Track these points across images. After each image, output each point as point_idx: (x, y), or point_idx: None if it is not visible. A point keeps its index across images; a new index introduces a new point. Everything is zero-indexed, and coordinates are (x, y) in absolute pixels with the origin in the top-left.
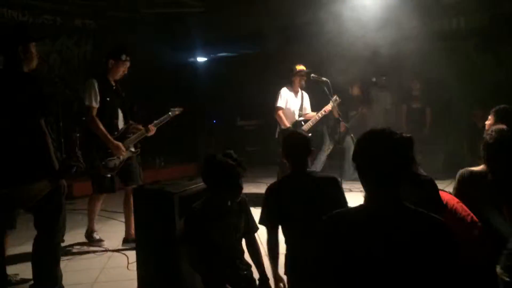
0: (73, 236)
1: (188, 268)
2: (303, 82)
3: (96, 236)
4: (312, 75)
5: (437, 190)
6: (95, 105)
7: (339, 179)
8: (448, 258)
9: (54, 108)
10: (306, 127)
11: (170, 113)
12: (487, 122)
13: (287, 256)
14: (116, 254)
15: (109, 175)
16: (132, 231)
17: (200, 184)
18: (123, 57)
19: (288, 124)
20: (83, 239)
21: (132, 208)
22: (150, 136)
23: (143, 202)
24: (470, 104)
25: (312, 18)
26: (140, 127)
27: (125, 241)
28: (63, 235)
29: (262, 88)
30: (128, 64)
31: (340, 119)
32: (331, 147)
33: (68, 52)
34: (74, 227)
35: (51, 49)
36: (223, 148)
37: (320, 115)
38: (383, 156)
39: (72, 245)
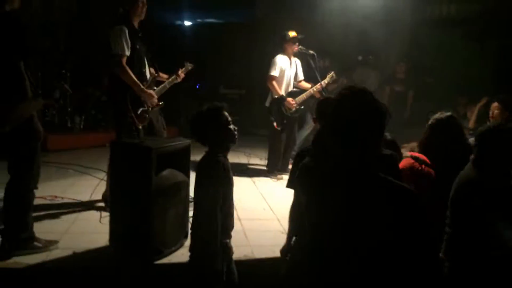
0: (47, 187)
1: (160, 224)
2: (295, 49)
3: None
4: (300, 46)
5: (396, 165)
6: (127, 53)
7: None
8: (413, 225)
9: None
10: (299, 98)
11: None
12: (496, 111)
13: None
14: (89, 207)
15: (140, 127)
16: None
17: (179, 143)
18: None
19: (281, 93)
20: (56, 191)
21: None
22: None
23: (120, 155)
24: (453, 90)
25: None
26: (166, 76)
27: (104, 197)
28: (36, 182)
29: (248, 58)
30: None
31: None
32: (312, 125)
33: (51, 2)
34: (47, 178)
35: None
36: None
37: (315, 89)
38: (340, 119)
39: (45, 197)
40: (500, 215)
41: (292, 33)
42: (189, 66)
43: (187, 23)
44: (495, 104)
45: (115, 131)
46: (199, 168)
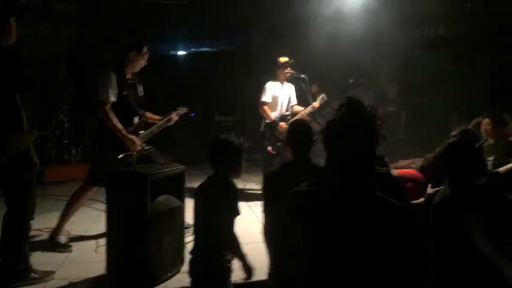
0: (44, 219)
1: (157, 251)
2: (288, 74)
3: (63, 239)
4: (292, 71)
5: (392, 184)
6: (112, 99)
7: None
8: (402, 242)
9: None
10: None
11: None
12: (489, 127)
13: None
14: (86, 238)
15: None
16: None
17: (173, 169)
18: (145, 49)
19: (273, 117)
20: (53, 223)
21: None
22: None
23: (116, 183)
24: (445, 109)
25: (294, 16)
26: (158, 117)
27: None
28: (32, 213)
29: (241, 85)
30: (147, 56)
31: (317, 118)
32: None
33: (49, 36)
34: (44, 211)
35: (32, 33)
36: (201, 142)
37: (308, 111)
38: (337, 143)
39: (41, 229)
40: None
41: (284, 59)
42: (183, 109)
43: (181, 52)
44: (487, 120)
45: (92, 167)
46: (215, 192)
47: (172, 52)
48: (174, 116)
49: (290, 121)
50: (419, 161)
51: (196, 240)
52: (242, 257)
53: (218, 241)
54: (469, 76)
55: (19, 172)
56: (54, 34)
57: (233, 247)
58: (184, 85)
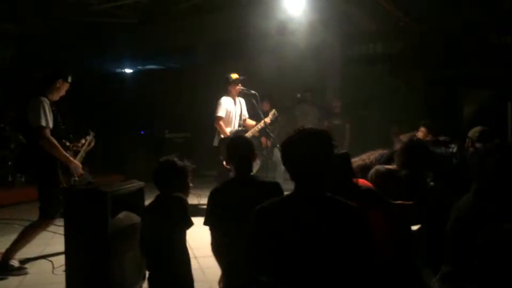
0: None
1: (119, 268)
2: (239, 90)
3: (16, 263)
4: (242, 87)
5: (375, 199)
6: (50, 125)
7: (280, 185)
8: (361, 242)
9: None
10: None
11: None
12: (420, 133)
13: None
14: (40, 260)
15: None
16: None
17: (132, 185)
18: (70, 78)
19: (228, 133)
20: (2, 247)
21: None
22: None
23: (74, 202)
24: (386, 121)
25: (240, 35)
26: (83, 142)
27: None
28: None
29: (190, 102)
30: (69, 83)
31: (270, 132)
32: (259, 162)
33: None
34: None
35: None
36: (152, 159)
37: (259, 127)
38: (301, 153)
39: None
40: None
41: (235, 75)
42: (92, 133)
43: (128, 70)
44: (422, 128)
45: (42, 201)
46: (165, 206)
47: (119, 70)
48: (91, 140)
49: (229, 138)
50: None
51: (149, 257)
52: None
53: (173, 254)
54: (406, 90)
55: None
56: None
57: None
58: (133, 103)
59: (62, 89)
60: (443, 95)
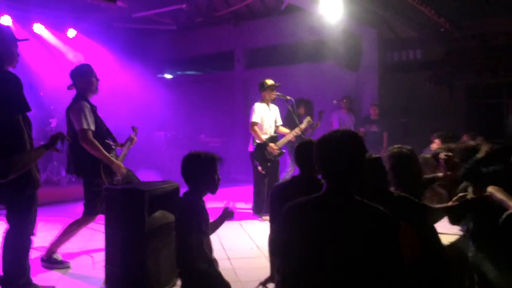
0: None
1: (154, 264)
2: (273, 96)
3: (59, 257)
4: (277, 93)
5: (410, 206)
6: (92, 128)
7: None
8: (388, 246)
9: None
10: (280, 143)
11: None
12: (434, 146)
13: None
14: (82, 255)
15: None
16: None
17: (169, 185)
18: (86, 69)
19: (263, 138)
20: (48, 242)
21: None
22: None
23: (114, 200)
24: (426, 129)
25: (277, 42)
26: (124, 143)
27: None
28: (33, 228)
29: (227, 107)
30: (95, 73)
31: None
32: (292, 168)
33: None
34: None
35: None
36: None
37: (295, 133)
38: (331, 154)
39: (37, 247)
40: None
41: (270, 81)
42: (135, 128)
43: (168, 75)
44: (436, 140)
45: (86, 199)
46: (183, 209)
47: (159, 75)
48: (134, 137)
49: (298, 144)
50: None
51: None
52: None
53: (191, 259)
54: (447, 97)
55: (21, 189)
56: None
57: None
58: (172, 107)
59: (90, 87)
60: (485, 103)
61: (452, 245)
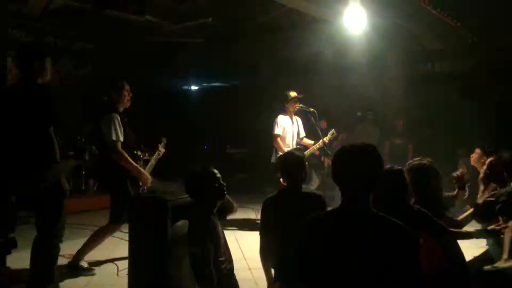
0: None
1: (177, 273)
2: (297, 108)
3: (85, 264)
4: (301, 105)
5: (428, 222)
6: (121, 139)
7: (323, 196)
8: (408, 260)
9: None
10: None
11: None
12: (475, 156)
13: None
14: (107, 263)
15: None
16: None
17: None
18: (120, 82)
19: (286, 150)
20: (75, 250)
21: None
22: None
23: (138, 209)
24: (453, 142)
25: (302, 54)
26: (156, 152)
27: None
28: (62, 236)
29: (252, 118)
30: (128, 87)
31: (329, 151)
32: (317, 181)
33: (66, 74)
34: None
35: (52, 69)
36: None
37: (318, 146)
38: (349, 168)
39: (64, 255)
40: None
41: (293, 93)
42: (164, 140)
43: (194, 87)
44: (477, 150)
45: (113, 208)
46: (192, 223)
47: (186, 87)
48: (161, 148)
49: (279, 157)
50: None
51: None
52: None
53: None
54: (475, 110)
55: (52, 198)
56: (71, 72)
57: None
58: (198, 118)
59: (121, 99)
60: None
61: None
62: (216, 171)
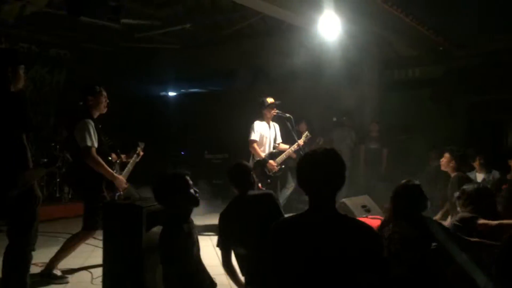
0: (39, 255)
1: (151, 279)
2: (273, 114)
3: (58, 272)
4: (277, 111)
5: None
6: (96, 145)
7: (273, 194)
8: (375, 258)
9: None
10: (280, 159)
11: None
12: (444, 160)
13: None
14: (79, 271)
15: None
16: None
17: None
18: (98, 88)
19: (263, 155)
20: (48, 258)
21: None
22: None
23: (112, 215)
24: (426, 146)
25: (279, 61)
26: (131, 155)
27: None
28: (34, 244)
29: (230, 124)
30: (105, 93)
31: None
32: (293, 184)
33: (41, 80)
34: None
35: (25, 76)
36: (191, 178)
37: (293, 149)
38: (314, 172)
39: (37, 263)
40: None
41: (270, 99)
42: (142, 144)
43: (172, 93)
44: (446, 154)
45: (86, 214)
46: (164, 231)
47: (163, 93)
48: (140, 152)
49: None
50: None
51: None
52: None
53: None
54: (445, 115)
55: (23, 205)
56: (46, 78)
57: None
58: (175, 124)
59: (98, 105)
60: (485, 121)
61: None
62: (187, 177)
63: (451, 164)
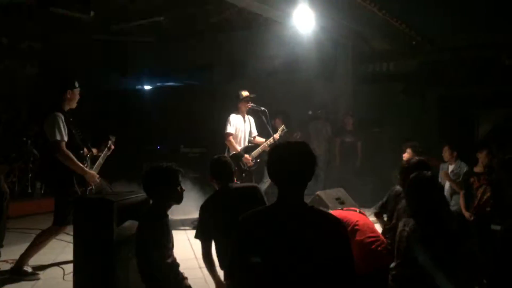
0: (9, 252)
1: (123, 274)
2: (248, 107)
3: (29, 269)
4: (252, 104)
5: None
6: (66, 139)
7: (258, 186)
8: (342, 248)
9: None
10: (255, 153)
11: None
12: (406, 155)
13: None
14: (53, 267)
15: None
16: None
17: (138, 195)
18: (77, 84)
19: (238, 149)
20: (18, 255)
21: None
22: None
23: (83, 210)
24: (399, 139)
25: (255, 54)
26: (95, 150)
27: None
28: (2, 240)
29: (206, 118)
30: (79, 91)
31: None
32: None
33: (12, 72)
34: (9, 244)
35: None
36: None
37: (268, 143)
38: (283, 164)
39: (7, 260)
40: None
41: (245, 93)
42: (113, 138)
43: (147, 87)
44: (408, 150)
45: (57, 209)
46: (143, 223)
47: (139, 87)
48: (111, 146)
49: (212, 160)
50: None
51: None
52: None
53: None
54: (418, 108)
55: None
56: (18, 71)
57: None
58: (150, 119)
59: (72, 99)
60: (457, 114)
61: None
62: (179, 174)
63: (413, 159)
